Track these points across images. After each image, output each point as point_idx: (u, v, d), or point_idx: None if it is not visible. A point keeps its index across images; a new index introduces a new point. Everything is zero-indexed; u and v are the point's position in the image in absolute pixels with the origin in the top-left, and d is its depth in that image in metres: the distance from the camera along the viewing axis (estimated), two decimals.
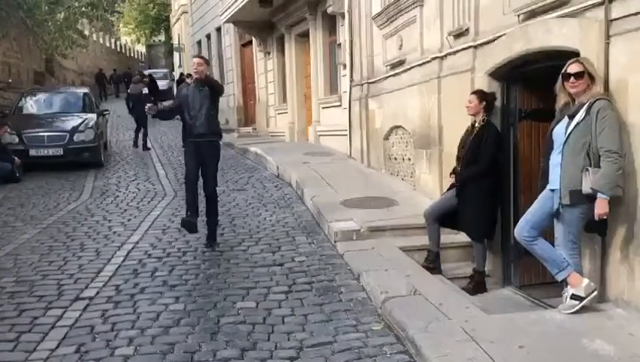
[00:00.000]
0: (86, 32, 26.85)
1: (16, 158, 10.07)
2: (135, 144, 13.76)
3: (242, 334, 3.87)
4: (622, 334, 3.44)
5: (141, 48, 45.57)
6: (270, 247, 5.82)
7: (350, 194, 7.18)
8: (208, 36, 21.11)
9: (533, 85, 5.29)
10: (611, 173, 3.55)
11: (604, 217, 3.62)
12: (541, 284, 5.21)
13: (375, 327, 3.92)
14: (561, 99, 3.89)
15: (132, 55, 43.09)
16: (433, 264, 5.31)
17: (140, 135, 13.66)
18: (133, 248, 5.96)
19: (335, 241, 5.77)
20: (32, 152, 10.67)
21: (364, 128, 9.01)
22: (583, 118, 3.67)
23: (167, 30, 35.64)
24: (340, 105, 10.61)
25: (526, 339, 3.40)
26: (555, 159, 3.83)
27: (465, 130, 5.39)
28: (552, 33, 4.41)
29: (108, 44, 36.75)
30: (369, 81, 8.76)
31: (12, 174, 9.84)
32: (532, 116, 5.35)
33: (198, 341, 3.78)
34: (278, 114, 14.82)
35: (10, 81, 17.49)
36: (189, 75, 16.13)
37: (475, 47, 5.66)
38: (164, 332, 3.94)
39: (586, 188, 3.61)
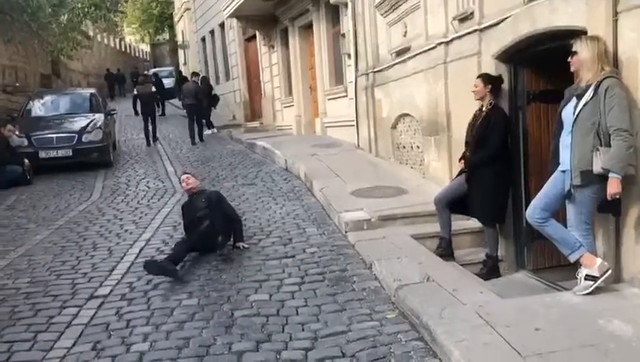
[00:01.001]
0: (90, 33, 26.99)
1: (26, 161, 10.14)
2: (149, 143, 13.92)
3: (256, 326, 3.88)
4: (639, 314, 3.40)
5: (145, 47, 45.63)
6: (281, 240, 5.82)
7: (359, 184, 7.16)
8: (212, 32, 21.10)
9: (540, 67, 5.23)
10: (622, 152, 3.51)
11: (617, 197, 3.58)
12: (555, 267, 5.18)
13: (389, 315, 3.91)
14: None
15: (137, 54, 43.19)
16: (446, 251, 5.29)
17: (150, 129, 14.07)
18: (145, 245, 5.99)
19: (346, 231, 5.75)
20: (42, 154, 10.74)
21: (371, 118, 8.97)
22: (592, 97, 3.62)
23: (171, 28, 35.65)
24: (346, 96, 10.57)
25: (542, 322, 3.37)
26: (565, 140, 3.79)
27: (473, 115, 5.34)
28: (558, 12, 4.35)
29: (112, 45, 36.87)
30: (374, 70, 8.71)
31: (23, 177, 9.91)
32: (541, 98, 5.30)
33: (213, 334, 3.80)
34: (285, 107, 14.80)
35: (17, 84, 17.61)
36: (195, 74, 16.38)
37: (481, 30, 5.60)
38: (179, 327, 3.96)
39: (597, 168, 3.57)
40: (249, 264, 5.19)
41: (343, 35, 10.32)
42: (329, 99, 11.76)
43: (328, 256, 5.24)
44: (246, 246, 5.62)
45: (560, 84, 5.03)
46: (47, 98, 13.29)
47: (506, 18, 5.11)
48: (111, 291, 4.74)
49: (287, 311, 4.11)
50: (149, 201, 8.10)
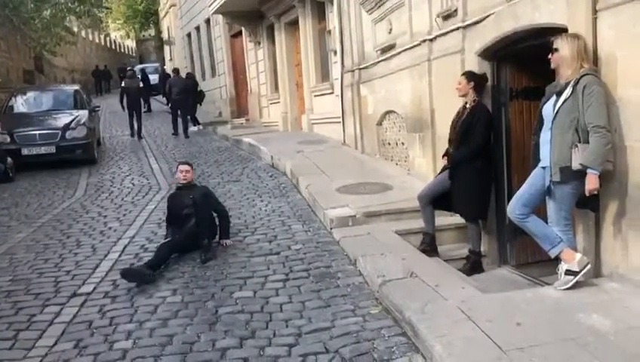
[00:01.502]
0: (74, 29, 26.69)
1: (9, 158, 10.03)
2: (133, 135, 14.38)
3: (241, 323, 3.88)
4: (617, 307, 3.45)
5: (131, 43, 45.27)
6: (266, 237, 5.82)
7: (345, 180, 7.17)
8: (198, 28, 20.98)
9: (523, 64, 5.27)
10: (600, 148, 3.56)
11: (595, 192, 3.63)
12: (537, 262, 5.23)
13: (373, 311, 3.93)
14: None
15: (122, 50, 42.84)
16: (429, 246, 5.32)
17: (135, 125, 14.39)
18: (129, 243, 5.96)
19: (331, 228, 5.77)
20: (25, 151, 10.63)
21: (356, 114, 8.98)
22: (570, 94, 3.67)
23: (157, 24, 35.39)
24: (332, 93, 10.58)
25: (523, 317, 3.41)
26: (544, 136, 3.83)
27: (456, 112, 5.37)
28: (540, 10, 4.38)
29: (97, 41, 36.52)
30: (360, 66, 8.72)
31: (5, 174, 9.81)
32: (523, 95, 5.34)
33: (197, 331, 3.79)
34: (271, 104, 14.77)
35: None
36: (176, 71, 16.46)
37: (465, 27, 5.62)
38: (163, 324, 3.95)
39: (575, 165, 3.62)
40: (234, 261, 5.18)
41: (329, 32, 10.33)
42: (315, 96, 11.76)
43: (313, 252, 5.25)
44: (230, 243, 5.61)
45: (543, 81, 5.09)
46: (30, 94, 13.15)
47: (489, 15, 5.14)
48: (94, 289, 4.72)
49: (271, 308, 4.11)
50: (133, 198, 8.06)
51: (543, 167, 3.84)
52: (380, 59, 7.93)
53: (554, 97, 3.79)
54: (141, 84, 15.69)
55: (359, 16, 8.64)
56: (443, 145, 5.77)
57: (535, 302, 3.69)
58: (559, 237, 3.80)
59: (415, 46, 6.73)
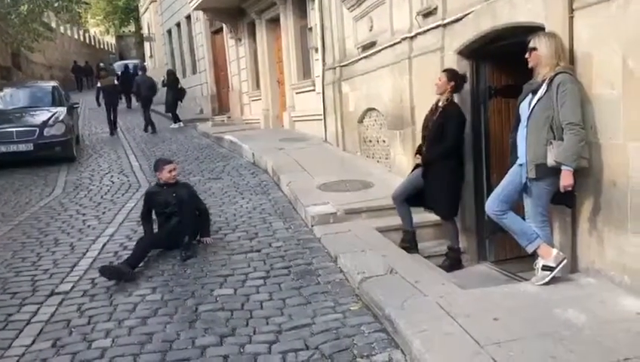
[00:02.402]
0: (53, 25, 26.28)
1: None
2: (112, 133, 14.51)
3: (221, 321, 3.87)
4: (593, 302, 3.52)
5: (111, 39, 44.72)
6: (247, 234, 5.81)
7: (326, 178, 7.18)
8: (178, 25, 20.80)
9: (502, 62, 5.33)
10: (574, 145, 3.62)
11: (570, 189, 3.69)
12: (516, 258, 5.30)
13: (353, 307, 3.95)
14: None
15: (102, 47, 42.31)
16: (409, 243, 5.36)
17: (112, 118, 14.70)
18: (108, 241, 5.90)
19: (312, 225, 5.78)
20: (1, 149, 10.45)
21: (338, 112, 9.00)
22: (545, 92, 3.73)
23: (137, 20, 35.01)
24: (314, 90, 10.57)
25: (500, 312, 3.45)
26: (521, 134, 3.89)
27: (430, 109, 5.40)
28: (518, 9, 4.43)
29: (76, 37, 36.03)
30: (341, 64, 8.73)
31: None
32: (502, 93, 5.39)
33: (177, 330, 3.77)
34: (252, 101, 14.71)
35: None
36: (144, 68, 16.89)
37: (444, 25, 5.67)
38: (142, 322, 3.92)
39: (550, 161, 3.68)
40: (214, 259, 5.16)
41: (310, 29, 10.32)
42: (297, 93, 11.75)
43: (294, 249, 5.26)
44: (211, 241, 5.59)
45: (522, 79, 5.14)
46: (7, 91, 12.94)
47: (468, 14, 5.18)
48: (72, 287, 4.67)
49: (251, 306, 4.11)
50: (112, 196, 7.98)
51: (520, 165, 3.89)
52: (361, 56, 7.95)
53: (530, 95, 3.85)
54: (116, 82, 16.25)
55: (340, 13, 8.65)
56: None
57: (513, 297, 3.74)
58: (536, 233, 3.86)
59: (396, 44, 6.76)
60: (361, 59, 7.97)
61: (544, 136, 3.71)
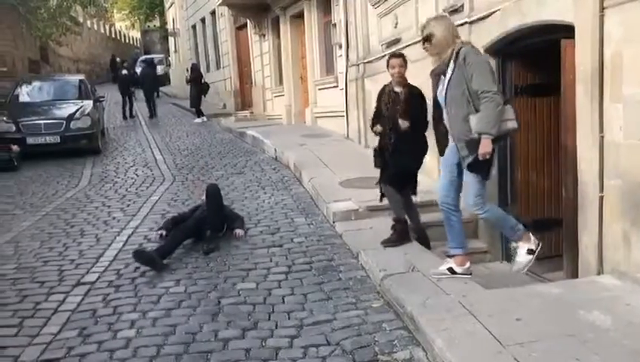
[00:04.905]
0: (80, 19, 26.69)
1: (13, 147, 10.07)
2: (125, 118, 16.60)
3: (243, 314, 3.91)
4: (618, 304, 3.47)
5: (136, 34, 45.20)
6: (269, 229, 5.84)
7: (348, 174, 7.19)
8: (203, 20, 20.95)
9: (528, 60, 5.27)
10: (490, 112, 3.62)
11: (488, 157, 3.68)
12: (539, 259, 5.23)
13: (374, 304, 3.96)
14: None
15: (127, 41, 42.78)
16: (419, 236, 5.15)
17: (128, 107, 16.82)
18: (132, 233, 5.98)
19: (333, 221, 5.79)
20: (30, 140, 10.66)
21: (360, 109, 8.98)
22: (454, 69, 3.74)
23: (162, 15, 35.29)
24: (337, 86, 10.57)
25: (523, 312, 3.43)
26: (446, 118, 3.90)
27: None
28: (546, 7, 4.38)
29: (103, 31, 36.50)
30: (365, 61, 8.72)
31: (10, 163, 9.84)
32: (528, 91, 5.34)
33: (200, 322, 3.82)
34: (275, 96, 14.77)
35: (4, 69, 17.42)
36: (123, 62, 19.65)
37: (470, 23, 5.62)
38: (166, 314, 3.98)
39: (473, 134, 3.68)
40: (237, 253, 5.21)
41: (334, 25, 10.32)
42: (319, 89, 11.76)
43: (316, 245, 5.28)
44: (242, 234, 5.60)
45: (547, 77, 5.10)
46: (36, 84, 13.17)
47: (495, 11, 5.13)
48: (98, 278, 4.75)
49: (273, 300, 4.14)
50: (137, 189, 8.09)
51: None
52: (386, 53, 7.91)
53: (441, 78, 3.85)
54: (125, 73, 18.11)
55: (365, 9, 8.63)
56: None
57: (536, 297, 3.70)
58: (516, 221, 3.92)
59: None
60: (385, 55, 7.93)
61: (464, 111, 3.72)
